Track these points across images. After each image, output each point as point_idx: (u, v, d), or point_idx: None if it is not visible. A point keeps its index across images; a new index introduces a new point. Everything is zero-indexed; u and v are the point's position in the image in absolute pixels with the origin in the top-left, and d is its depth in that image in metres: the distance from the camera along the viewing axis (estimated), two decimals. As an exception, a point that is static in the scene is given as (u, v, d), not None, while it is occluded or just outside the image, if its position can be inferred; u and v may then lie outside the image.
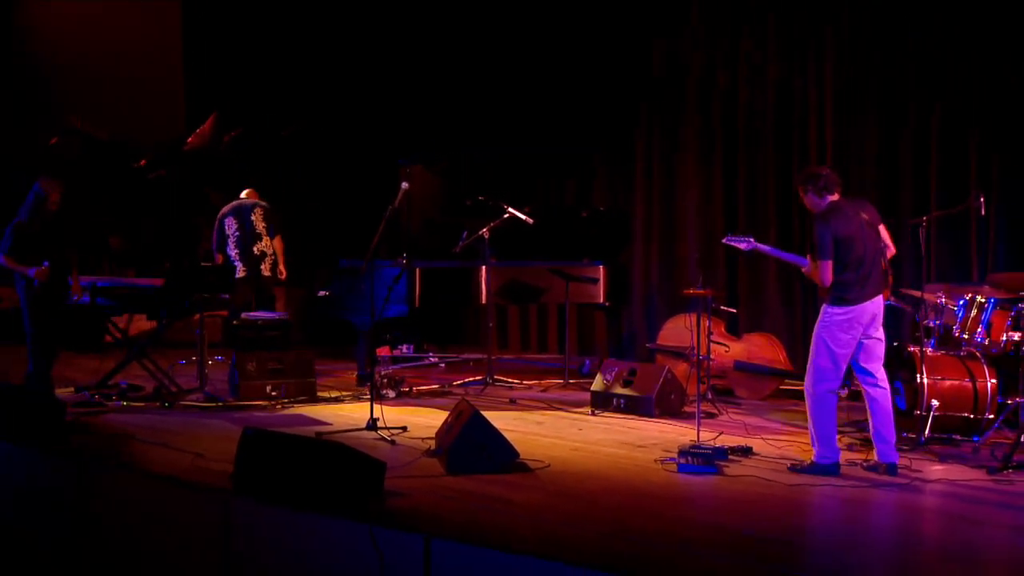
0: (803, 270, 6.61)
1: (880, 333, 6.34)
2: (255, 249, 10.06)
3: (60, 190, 8.30)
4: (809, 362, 6.32)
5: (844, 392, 8.90)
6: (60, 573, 6.11)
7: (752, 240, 6.91)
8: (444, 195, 11.66)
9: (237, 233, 10.10)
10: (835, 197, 6.38)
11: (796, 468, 6.29)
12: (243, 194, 10.45)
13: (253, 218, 10.16)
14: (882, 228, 6.45)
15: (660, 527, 5.15)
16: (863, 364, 6.34)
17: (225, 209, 10.27)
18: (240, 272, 9.94)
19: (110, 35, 13.58)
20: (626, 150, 11.67)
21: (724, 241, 7.06)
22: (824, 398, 6.28)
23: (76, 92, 13.15)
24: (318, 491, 5.22)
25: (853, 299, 6.21)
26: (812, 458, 6.30)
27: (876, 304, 6.28)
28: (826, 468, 6.20)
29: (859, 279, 6.22)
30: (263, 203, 10.32)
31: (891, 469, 6.23)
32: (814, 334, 6.32)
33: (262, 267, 10.07)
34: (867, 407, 6.38)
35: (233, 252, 10.08)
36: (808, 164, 10.14)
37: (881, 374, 6.37)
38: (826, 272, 6.17)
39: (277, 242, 10.20)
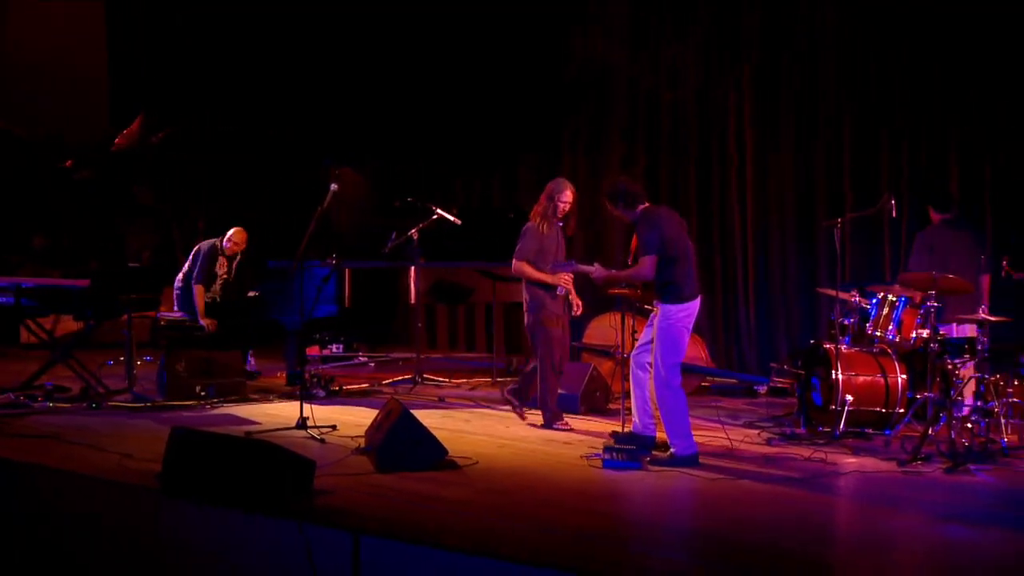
0: (592, 275, 6.83)
1: None
2: None
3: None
4: (660, 362, 6.51)
5: (764, 389, 9.18)
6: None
7: (575, 262, 7.25)
8: (373, 196, 11.67)
9: None
10: (645, 205, 6.66)
11: (657, 461, 6.45)
12: None
13: None
14: None
15: (585, 521, 5.25)
16: None
17: None
18: None
19: (34, 33, 13.38)
20: (552, 151, 11.80)
21: (553, 267, 7.39)
22: (680, 392, 6.56)
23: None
24: (247, 490, 5.24)
25: (689, 295, 6.54)
26: (672, 451, 6.50)
27: (699, 300, 6.64)
28: (688, 459, 6.44)
29: (691, 274, 6.56)
30: None
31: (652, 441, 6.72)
32: (662, 334, 6.52)
33: None
34: (640, 387, 6.70)
35: None
36: (727, 165, 10.38)
37: None
38: (651, 267, 6.45)
39: None
